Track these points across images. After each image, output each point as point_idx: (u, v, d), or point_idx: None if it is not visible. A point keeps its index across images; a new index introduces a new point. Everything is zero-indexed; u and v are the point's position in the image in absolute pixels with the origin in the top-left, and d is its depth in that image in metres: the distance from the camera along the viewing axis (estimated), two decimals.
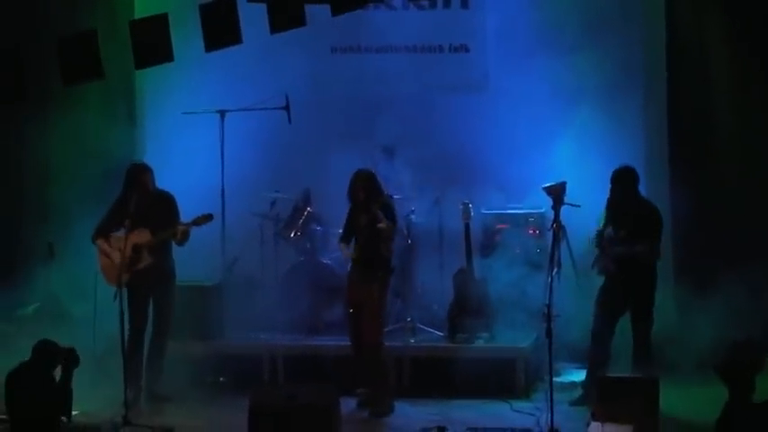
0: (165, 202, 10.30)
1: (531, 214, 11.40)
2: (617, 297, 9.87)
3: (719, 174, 11.42)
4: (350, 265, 10.15)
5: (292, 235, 11.53)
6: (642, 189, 10.18)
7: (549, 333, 8.82)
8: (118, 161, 11.10)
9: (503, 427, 9.09)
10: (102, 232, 10.24)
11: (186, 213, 10.23)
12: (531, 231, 11.39)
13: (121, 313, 9.51)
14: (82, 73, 8.39)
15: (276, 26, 8.53)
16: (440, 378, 10.56)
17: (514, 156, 11.43)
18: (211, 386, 10.66)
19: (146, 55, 8.51)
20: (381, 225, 9.80)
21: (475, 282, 10.96)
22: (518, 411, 9.92)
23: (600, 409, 8.71)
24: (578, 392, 10.11)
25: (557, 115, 11.43)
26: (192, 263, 10.69)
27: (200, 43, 8.51)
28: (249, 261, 11.62)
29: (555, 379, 9.37)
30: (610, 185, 9.89)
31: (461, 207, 10.98)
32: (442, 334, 11.03)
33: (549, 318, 8.81)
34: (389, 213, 9.98)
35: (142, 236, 10.08)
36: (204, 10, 8.46)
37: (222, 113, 11.42)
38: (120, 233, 9.97)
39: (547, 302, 8.86)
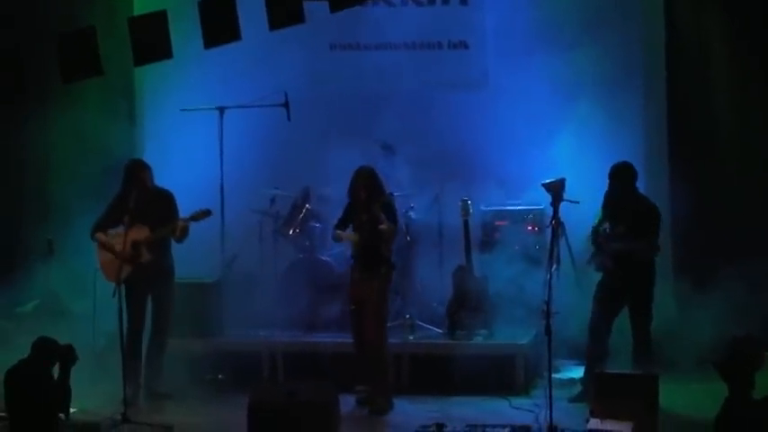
0: (164, 199, 10.30)
1: (530, 211, 11.40)
2: (615, 293, 9.88)
3: (719, 171, 11.42)
4: (351, 263, 10.17)
5: (291, 232, 11.54)
6: (641, 186, 10.18)
7: (548, 330, 8.81)
8: (117, 158, 11.09)
9: (502, 424, 9.05)
10: (101, 229, 10.24)
11: (185, 210, 10.23)
12: (530, 228, 11.40)
13: (120, 310, 9.51)
14: (81, 70, 8.39)
15: (275, 23, 8.52)
16: (439, 375, 10.56)
17: (513, 152, 11.45)
18: (210, 383, 10.66)
19: (145, 52, 8.50)
20: (383, 227, 9.80)
21: (474, 278, 10.96)
22: (517, 408, 9.92)
23: (599, 406, 8.71)
24: (577, 389, 10.11)
25: (556, 112, 11.44)
26: (191, 260, 10.69)
27: (199, 40, 8.51)
28: (248, 258, 11.61)
29: (554, 376, 9.39)
30: (608, 181, 9.89)
31: (460, 204, 10.99)
32: (441, 331, 11.04)
33: (548, 314, 8.80)
34: (390, 213, 9.98)
35: (141, 232, 10.07)
36: (203, 7, 8.45)
37: (221, 110, 11.41)
38: (119, 230, 9.97)
39: (546, 299, 8.85)
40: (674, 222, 11.17)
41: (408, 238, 11.33)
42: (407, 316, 11.13)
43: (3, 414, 8.41)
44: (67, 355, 8.20)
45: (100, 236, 10.24)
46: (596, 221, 9.96)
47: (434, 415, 9.60)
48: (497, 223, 11.51)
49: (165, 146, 11.88)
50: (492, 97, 11.79)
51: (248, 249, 11.60)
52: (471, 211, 11.02)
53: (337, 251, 11.24)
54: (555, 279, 9.18)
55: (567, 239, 10.27)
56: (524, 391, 10.45)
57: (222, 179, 11.29)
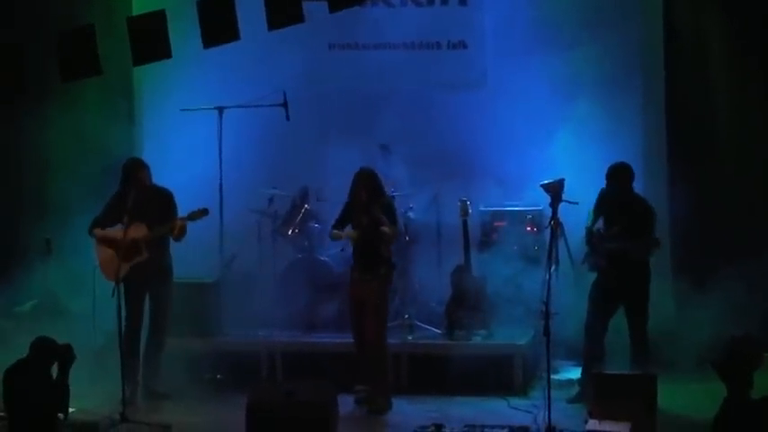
0: (163, 198, 10.30)
1: (528, 211, 11.40)
2: (609, 293, 9.88)
3: (718, 171, 11.42)
4: (350, 262, 10.17)
5: (290, 232, 11.53)
6: (640, 186, 10.19)
7: (546, 330, 8.81)
8: (116, 157, 11.07)
9: (500, 425, 9.05)
10: (99, 227, 10.24)
11: (184, 210, 10.23)
12: (528, 228, 11.39)
13: (119, 309, 9.51)
14: (80, 69, 8.39)
15: (274, 23, 8.52)
16: (437, 375, 10.56)
17: (512, 153, 11.45)
18: (209, 383, 10.66)
19: (143, 51, 8.51)
20: (385, 229, 9.80)
21: (473, 279, 10.97)
22: (515, 408, 9.92)
23: (597, 407, 8.71)
24: (576, 390, 10.11)
25: (555, 112, 11.42)
26: (189, 259, 10.70)
27: (198, 40, 8.51)
28: (247, 258, 11.60)
29: (552, 376, 9.38)
30: (606, 182, 9.90)
31: (459, 204, 10.99)
32: (439, 331, 11.03)
33: (546, 315, 8.80)
34: (391, 215, 9.98)
35: (139, 231, 10.07)
36: (202, 6, 8.46)
37: (220, 110, 11.40)
38: (117, 228, 9.97)
39: (544, 300, 8.85)
40: (673, 222, 11.17)
41: (407, 238, 11.33)
42: (406, 316, 11.13)
43: (2, 414, 8.41)
44: (66, 355, 8.20)
45: (98, 231, 10.23)
46: (589, 222, 9.96)
47: (433, 415, 9.61)
48: (496, 223, 11.51)
49: (164, 145, 11.88)
50: (491, 97, 11.79)
51: (247, 249, 11.59)
52: (470, 211, 11.03)
53: (336, 251, 11.23)
54: (554, 279, 9.18)
55: (565, 240, 10.23)
56: (523, 391, 10.45)
57: (221, 179, 11.27)
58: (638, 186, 10.05)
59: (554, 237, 9.45)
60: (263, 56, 11.62)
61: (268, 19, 8.50)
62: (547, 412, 8.84)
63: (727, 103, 11.45)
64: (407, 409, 10.01)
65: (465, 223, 10.98)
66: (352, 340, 10.16)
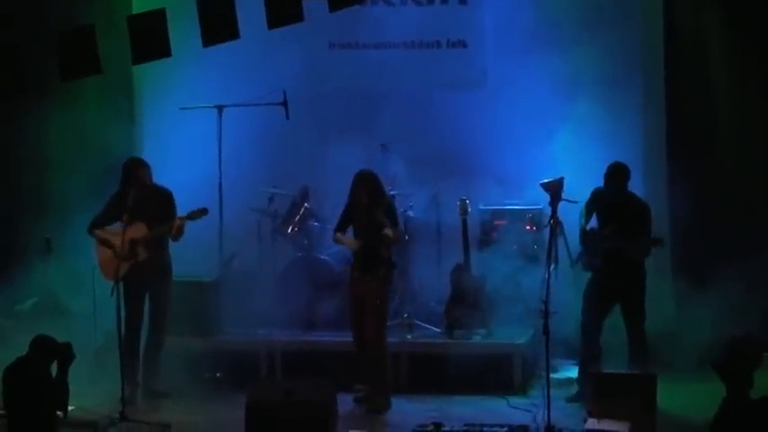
0: (163, 197, 10.30)
1: (528, 210, 11.38)
2: (604, 292, 9.89)
3: (718, 170, 11.42)
4: (350, 261, 10.16)
5: (290, 231, 11.53)
6: (640, 185, 10.21)
7: (545, 329, 8.81)
8: (116, 157, 11.08)
9: (500, 424, 9.06)
10: (98, 226, 10.25)
11: (184, 209, 10.23)
12: (528, 227, 11.38)
13: (118, 308, 9.51)
14: (79, 68, 8.39)
15: (274, 22, 8.52)
16: (437, 374, 10.56)
17: (512, 152, 11.44)
18: (209, 382, 10.66)
19: (143, 50, 8.50)
20: (387, 232, 9.80)
21: (472, 277, 10.97)
22: (515, 407, 9.93)
23: (597, 406, 8.71)
24: (575, 389, 10.11)
25: (555, 111, 11.42)
26: (189, 258, 10.70)
27: (198, 38, 8.50)
28: (247, 257, 11.60)
29: (552, 375, 9.38)
30: (604, 181, 9.90)
31: (459, 203, 11.00)
32: (439, 330, 11.03)
33: (545, 314, 8.80)
34: (392, 216, 9.98)
35: (138, 230, 10.07)
36: (202, 5, 8.45)
37: (220, 109, 11.40)
38: (117, 226, 9.97)
39: (544, 299, 8.85)
40: (673, 222, 11.16)
41: (407, 237, 11.32)
42: (405, 315, 11.12)
43: (1, 412, 8.40)
44: (65, 354, 8.20)
45: (98, 231, 10.24)
46: (582, 221, 9.96)
47: (432, 414, 9.61)
48: (496, 222, 11.50)
49: (164, 144, 11.87)
50: (491, 96, 11.78)
51: (247, 248, 11.58)
52: (470, 210, 11.03)
53: (335, 250, 11.23)
54: (553, 278, 9.19)
55: (565, 239, 10.23)
56: (522, 390, 10.45)
57: (221, 178, 11.27)
58: (638, 185, 10.06)
59: (553, 235, 9.46)
60: (262, 55, 11.62)
61: (268, 18, 8.50)
62: (546, 411, 8.84)
63: (727, 102, 11.45)
64: (407, 408, 10.01)
65: (464, 222, 10.99)
66: (351, 339, 10.17)
